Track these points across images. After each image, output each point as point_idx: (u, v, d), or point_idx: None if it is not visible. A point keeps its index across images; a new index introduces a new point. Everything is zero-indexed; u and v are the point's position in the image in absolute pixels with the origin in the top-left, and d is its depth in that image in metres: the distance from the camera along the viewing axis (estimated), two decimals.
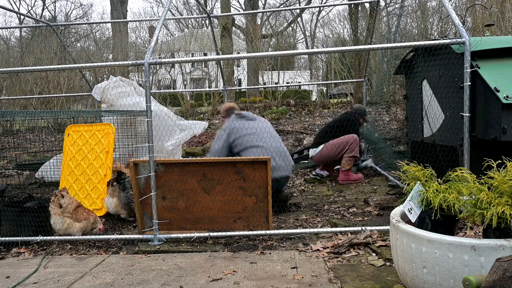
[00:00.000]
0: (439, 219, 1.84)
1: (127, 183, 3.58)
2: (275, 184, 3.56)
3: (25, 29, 25.20)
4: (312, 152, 5.00)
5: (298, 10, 25.74)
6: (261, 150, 3.76)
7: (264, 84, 16.24)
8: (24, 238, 3.10)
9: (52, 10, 34.24)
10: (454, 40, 2.89)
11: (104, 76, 13.20)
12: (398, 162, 2.36)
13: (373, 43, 7.05)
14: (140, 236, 3.08)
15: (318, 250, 2.74)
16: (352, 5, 9.41)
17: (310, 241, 2.95)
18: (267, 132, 3.87)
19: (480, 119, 3.00)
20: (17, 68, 3.93)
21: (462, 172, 1.93)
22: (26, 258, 2.90)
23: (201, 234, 3.02)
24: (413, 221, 1.93)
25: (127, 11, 21.18)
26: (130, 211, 3.58)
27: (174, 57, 17.59)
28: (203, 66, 23.02)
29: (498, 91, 2.76)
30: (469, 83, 2.79)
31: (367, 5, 10.25)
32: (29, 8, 33.88)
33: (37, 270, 2.63)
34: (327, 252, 2.69)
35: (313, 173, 5.18)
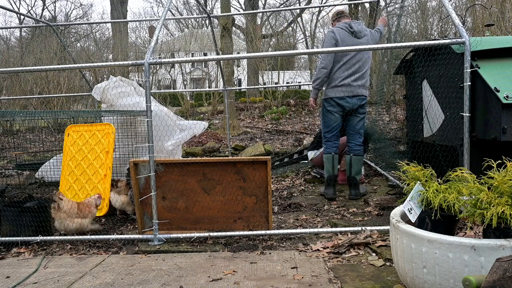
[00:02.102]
0: (439, 219, 1.84)
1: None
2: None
3: (25, 29, 25.20)
4: (313, 154, 5.00)
5: (298, 10, 25.70)
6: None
7: (264, 84, 16.23)
8: (24, 238, 3.10)
9: (52, 10, 34.24)
10: (454, 40, 2.89)
11: (104, 76, 13.20)
12: (398, 162, 2.36)
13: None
14: (140, 236, 3.08)
15: (318, 250, 2.74)
16: (352, 5, 9.39)
17: (310, 241, 2.95)
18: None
19: (480, 119, 3.00)
20: (17, 68, 3.92)
21: (462, 172, 1.93)
22: (26, 258, 2.90)
23: (201, 234, 3.02)
24: (413, 221, 1.93)
25: (127, 11, 21.17)
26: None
27: (174, 57, 17.59)
28: (203, 66, 23.03)
29: (498, 91, 2.76)
30: (469, 83, 2.79)
31: (367, 5, 10.25)
32: (29, 8, 33.87)
33: (37, 270, 2.63)
34: (327, 252, 2.69)
35: (314, 171, 5.18)
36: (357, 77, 3.96)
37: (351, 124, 4.06)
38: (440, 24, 10.05)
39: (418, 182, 1.99)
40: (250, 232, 3.02)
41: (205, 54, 24.17)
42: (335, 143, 4.12)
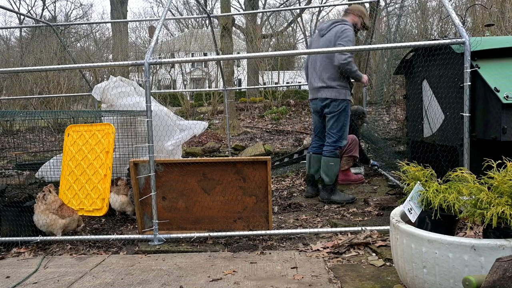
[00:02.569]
0: (439, 219, 1.84)
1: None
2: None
3: (25, 29, 25.21)
4: None
5: (298, 10, 25.71)
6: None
7: (264, 84, 16.24)
8: (24, 238, 3.10)
9: (52, 10, 34.28)
10: (454, 40, 2.89)
11: (104, 76, 13.20)
12: (398, 162, 2.36)
13: (373, 43, 7.04)
14: (140, 236, 3.08)
15: (318, 250, 2.74)
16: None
17: (310, 241, 2.95)
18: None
19: (480, 119, 3.00)
20: (17, 68, 3.92)
21: (462, 172, 1.93)
22: (26, 258, 2.90)
23: (201, 234, 3.02)
24: (413, 221, 1.93)
25: (127, 11, 21.16)
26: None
27: (174, 57, 17.59)
28: (203, 66, 23.03)
29: (498, 91, 2.76)
30: (469, 83, 2.79)
31: (367, 5, 10.23)
32: (29, 8, 33.90)
33: (37, 270, 2.63)
34: (327, 252, 2.69)
35: None
36: (316, 78, 3.96)
37: (326, 125, 4.05)
38: (440, 24, 10.06)
39: (418, 182, 1.99)
40: (250, 232, 3.02)
41: (205, 54, 24.17)
42: (316, 143, 4.21)
